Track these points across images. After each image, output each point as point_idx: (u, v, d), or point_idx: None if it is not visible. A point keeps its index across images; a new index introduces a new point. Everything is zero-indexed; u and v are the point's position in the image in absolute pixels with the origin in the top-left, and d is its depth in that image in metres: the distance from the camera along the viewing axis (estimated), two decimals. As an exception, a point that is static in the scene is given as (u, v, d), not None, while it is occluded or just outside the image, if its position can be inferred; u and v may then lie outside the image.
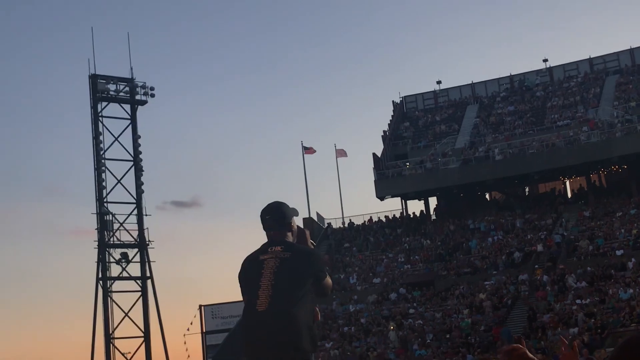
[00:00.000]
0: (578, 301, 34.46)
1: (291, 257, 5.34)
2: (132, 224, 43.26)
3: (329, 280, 5.52)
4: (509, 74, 56.75)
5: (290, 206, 5.81)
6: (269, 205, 5.68)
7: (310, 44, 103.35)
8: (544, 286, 36.99)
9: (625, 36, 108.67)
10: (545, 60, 55.91)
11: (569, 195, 50.50)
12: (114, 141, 43.46)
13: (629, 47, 53.31)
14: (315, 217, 51.20)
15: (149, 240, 43.24)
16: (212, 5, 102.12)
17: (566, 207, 45.85)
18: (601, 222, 42.11)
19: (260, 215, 5.65)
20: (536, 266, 39.08)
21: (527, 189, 52.05)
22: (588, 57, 54.79)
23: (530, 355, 6.14)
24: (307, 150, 53.15)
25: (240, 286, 5.45)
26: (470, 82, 57.28)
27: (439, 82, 58.25)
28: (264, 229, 5.63)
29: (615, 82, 50.88)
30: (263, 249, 5.49)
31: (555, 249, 40.53)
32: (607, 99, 49.01)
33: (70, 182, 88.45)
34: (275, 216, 5.60)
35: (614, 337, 29.30)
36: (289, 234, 5.58)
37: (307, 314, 5.26)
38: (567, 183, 51.77)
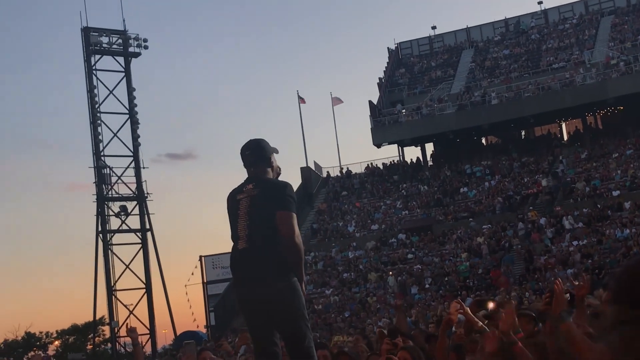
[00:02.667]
0: (575, 242, 34.78)
1: (259, 194, 5.56)
2: (129, 177, 43.42)
3: (288, 219, 5.41)
4: (503, 18, 56.39)
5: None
6: (248, 141, 5.84)
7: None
8: (541, 229, 37.28)
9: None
10: (540, 3, 55.55)
11: (565, 137, 50.56)
12: (108, 94, 43.36)
13: (625, -13, 52.86)
14: (312, 166, 51.31)
15: (148, 193, 43.44)
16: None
17: (562, 149, 45.95)
18: (597, 164, 42.25)
19: (240, 151, 5.80)
20: (530, 208, 39.32)
21: (523, 133, 52.11)
22: (583, -2, 54.37)
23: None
24: (301, 99, 53.09)
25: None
26: (465, 27, 56.91)
27: (433, 28, 57.92)
28: (244, 165, 5.78)
29: (610, 23, 50.56)
30: (240, 187, 5.72)
31: (551, 191, 40.74)
32: (602, 40, 48.76)
33: (66, 137, 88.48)
34: (255, 152, 5.75)
35: (611, 277, 29.62)
36: (269, 169, 5.75)
37: (279, 248, 5.44)
38: (563, 125, 51.79)
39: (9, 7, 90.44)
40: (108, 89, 43.37)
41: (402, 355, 6.63)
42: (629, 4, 52.01)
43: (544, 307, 5.19)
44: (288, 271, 5.44)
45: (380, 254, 40.55)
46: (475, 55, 53.78)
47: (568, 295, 5.33)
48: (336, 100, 54.17)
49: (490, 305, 6.77)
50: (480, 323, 6.52)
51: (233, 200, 5.66)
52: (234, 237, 5.59)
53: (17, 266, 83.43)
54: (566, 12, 54.27)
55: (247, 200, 5.55)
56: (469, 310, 6.72)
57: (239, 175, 5.80)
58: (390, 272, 37.84)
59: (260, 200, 5.53)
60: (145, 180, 43.54)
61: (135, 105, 43.46)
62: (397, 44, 57.77)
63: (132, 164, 43.32)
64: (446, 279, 35.71)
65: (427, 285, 35.87)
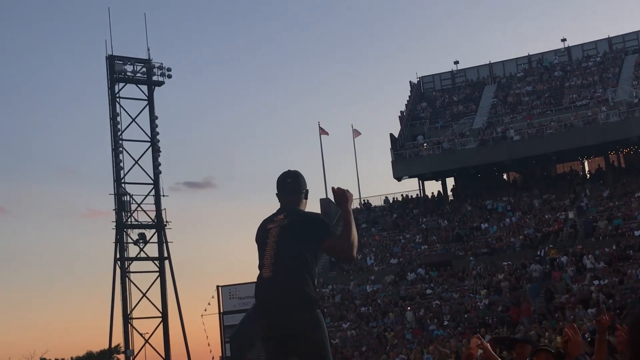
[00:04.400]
0: (596, 282, 34.30)
1: (289, 224, 5.54)
2: (149, 204, 43.52)
3: (340, 239, 5.41)
4: (527, 54, 56.38)
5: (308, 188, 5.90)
6: (288, 170, 5.85)
7: (327, 24, 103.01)
8: (562, 267, 36.85)
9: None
10: (563, 40, 55.51)
11: (587, 175, 50.19)
12: (131, 122, 43.65)
13: (649, 26, 52.73)
14: (332, 198, 51.14)
15: (167, 221, 43.48)
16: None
17: (584, 187, 45.58)
18: (620, 203, 41.83)
19: (280, 179, 5.80)
20: (550, 246, 38.89)
21: (545, 170, 51.80)
22: (607, 36, 54.34)
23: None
24: (322, 131, 53.14)
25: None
26: (487, 62, 56.93)
27: (456, 62, 57.98)
28: (280, 194, 5.77)
29: (634, 62, 50.38)
30: (271, 217, 5.72)
31: (575, 224, 40.35)
32: (626, 79, 48.55)
33: (87, 164, 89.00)
34: (296, 181, 5.75)
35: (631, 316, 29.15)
36: (303, 202, 5.75)
37: (308, 276, 5.43)
38: (586, 163, 51.44)
39: (36, 34, 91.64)
40: (131, 117, 43.70)
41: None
42: (654, 43, 51.85)
43: (562, 345, 5.08)
44: (313, 303, 5.39)
45: (398, 289, 40.22)
46: (497, 90, 53.70)
47: (588, 335, 5.22)
48: (356, 133, 54.21)
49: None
50: (499, 359, 6.47)
51: (263, 229, 5.65)
52: (260, 265, 5.56)
53: (35, 292, 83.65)
54: (590, 49, 54.17)
55: (277, 230, 5.53)
56: (488, 346, 6.71)
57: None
58: (409, 307, 37.47)
59: (289, 230, 5.50)
60: (165, 209, 43.64)
61: (157, 134, 43.70)
62: (420, 77, 57.86)
63: (152, 192, 43.43)
64: (465, 315, 35.29)
65: (445, 322, 35.45)
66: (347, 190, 5.55)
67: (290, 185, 5.72)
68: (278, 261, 5.42)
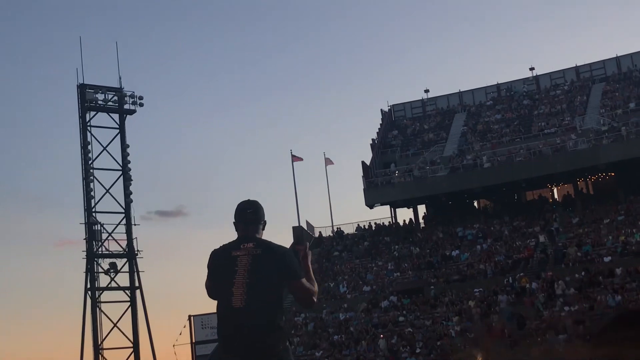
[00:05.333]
0: (567, 308, 34.59)
1: (262, 254, 5.47)
2: (120, 233, 43.13)
3: (306, 284, 5.51)
4: (496, 83, 57.09)
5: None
6: (249, 200, 5.83)
7: (298, 52, 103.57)
8: (533, 293, 37.13)
9: (611, 44, 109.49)
10: (531, 69, 56.38)
11: (557, 202, 50.73)
12: (102, 151, 43.34)
13: (615, 55, 53.80)
14: (305, 226, 51.20)
15: (138, 250, 43.12)
16: (200, 15, 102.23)
17: (554, 214, 46.06)
18: (589, 229, 42.32)
19: (240, 209, 5.76)
20: (521, 274, 39.16)
21: (515, 197, 52.27)
22: (574, 65, 55.24)
23: None
24: (295, 158, 53.23)
25: (208, 273, 5.61)
26: (457, 91, 57.56)
27: (426, 91, 58.57)
28: (240, 223, 5.72)
29: (601, 90, 51.24)
30: (234, 244, 5.60)
31: (543, 254, 40.70)
32: (593, 107, 49.34)
33: (58, 193, 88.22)
34: (257, 212, 5.74)
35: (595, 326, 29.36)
36: (262, 232, 5.74)
37: (280, 307, 5.43)
38: (555, 190, 52.02)
39: (6, 62, 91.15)
40: (102, 145, 43.42)
41: None
42: (620, 72, 52.79)
43: None
44: (285, 335, 5.39)
45: (371, 316, 40.22)
46: (467, 119, 54.28)
47: None
48: (328, 161, 54.41)
49: None
50: None
51: (226, 256, 5.51)
52: (226, 294, 5.41)
53: (5, 321, 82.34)
54: (558, 78, 55.02)
55: (248, 259, 5.43)
56: None
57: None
58: (381, 335, 37.48)
59: (263, 261, 5.44)
60: (136, 237, 43.31)
61: (129, 162, 43.45)
62: (391, 106, 58.34)
63: (123, 221, 43.11)
64: (438, 342, 35.38)
65: (418, 349, 35.50)
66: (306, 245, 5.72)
67: (251, 216, 5.67)
68: (250, 291, 5.32)
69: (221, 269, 5.51)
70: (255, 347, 5.28)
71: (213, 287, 5.56)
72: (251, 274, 5.38)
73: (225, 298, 5.41)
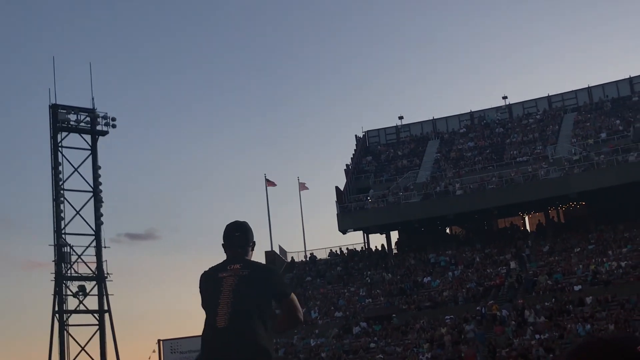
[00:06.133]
0: (537, 336, 34.65)
1: (249, 275, 5.46)
2: (90, 256, 42.70)
3: (296, 301, 5.54)
4: (469, 111, 57.55)
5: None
6: (236, 222, 5.80)
7: (272, 77, 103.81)
8: (503, 321, 37.18)
9: (583, 75, 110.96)
10: (504, 97, 56.90)
11: (528, 230, 51.03)
12: (73, 172, 43.01)
13: (587, 86, 54.47)
14: (277, 250, 51.01)
15: (108, 273, 42.69)
16: (175, 38, 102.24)
17: (525, 242, 46.29)
18: (559, 258, 42.56)
19: (227, 231, 5.75)
20: (491, 302, 39.25)
21: (486, 224, 52.51)
22: (547, 94, 55.86)
23: None
24: (269, 183, 53.15)
25: (201, 296, 5.60)
26: (431, 118, 57.93)
27: (401, 118, 58.86)
28: (228, 245, 5.71)
29: (573, 120, 51.79)
30: (222, 266, 5.59)
31: (516, 281, 40.82)
32: (565, 136, 49.83)
33: (26, 214, 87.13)
34: (245, 234, 5.72)
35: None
36: (251, 253, 5.72)
37: (264, 328, 5.40)
38: (526, 218, 52.34)
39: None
40: (73, 167, 43.09)
41: None
42: (592, 102, 53.43)
43: None
44: (268, 356, 5.33)
45: (342, 342, 40.02)
46: (440, 146, 54.58)
47: None
48: (302, 186, 54.39)
49: None
50: None
51: (214, 277, 5.51)
52: (211, 314, 5.39)
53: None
54: (530, 107, 55.58)
55: (234, 279, 5.41)
56: None
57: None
58: (352, 362, 37.24)
59: (249, 281, 5.43)
60: (106, 260, 42.90)
61: (100, 184, 43.15)
62: (365, 132, 58.55)
63: (93, 243, 42.69)
64: (408, 370, 35.25)
65: (388, 376, 35.33)
66: None
67: (239, 239, 5.65)
68: (235, 311, 5.30)
69: (209, 290, 5.49)
70: None
71: (204, 305, 5.52)
72: (236, 294, 5.35)
73: (211, 318, 5.38)
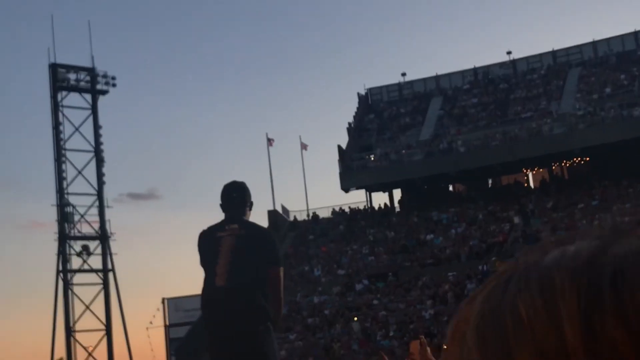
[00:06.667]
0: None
1: (247, 235, 5.57)
2: (92, 216, 42.77)
3: (282, 280, 5.59)
4: (472, 67, 56.99)
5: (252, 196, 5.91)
6: (233, 182, 5.87)
7: (275, 35, 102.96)
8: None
9: (588, 29, 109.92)
10: (509, 53, 56.26)
11: (532, 187, 50.87)
12: (74, 131, 42.89)
13: (592, 40, 53.80)
14: (280, 210, 50.98)
15: (111, 232, 42.79)
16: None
17: (528, 199, 46.16)
18: (563, 214, 42.45)
19: (225, 192, 5.84)
20: (493, 258, 39.22)
21: (490, 181, 52.35)
22: (551, 49, 55.21)
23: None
24: (270, 141, 53.00)
25: (199, 255, 5.69)
26: (434, 75, 57.42)
27: (403, 74, 58.35)
28: (225, 206, 5.74)
29: (578, 75, 51.31)
30: (220, 226, 5.70)
31: (517, 240, 40.80)
32: (569, 91, 49.41)
33: (28, 174, 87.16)
34: (242, 195, 5.78)
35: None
36: (249, 213, 5.80)
37: (262, 287, 5.47)
38: (530, 175, 52.15)
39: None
40: (74, 126, 42.94)
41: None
42: (597, 57, 52.85)
43: None
44: (267, 315, 5.43)
45: (345, 300, 40.16)
46: (444, 103, 54.19)
47: None
48: (304, 145, 54.22)
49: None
50: None
51: (211, 237, 5.61)
52: (211, 273, 5.50)
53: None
54: (534, 62, 55.00)
55: (232, 239, 5.52)
56: (428, 350, 6.56)
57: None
58: (355, 318, 37.43)
59: (247, 242, 5.54)
60: (109, 220, 42.96)
61: (102, 143, 43.04)
62: (367, 89, 58.11)
63: (96, 203, 42.70)
64: (411, 326, 35.38)
65: (391, 333, 35.48)
66: None
67: (236, 200, 5.73)
68: (233, 270, 5.41)
69: (208, 250, 5.62)
70: (235, 324, 5.34)
71: (203, 263, 5.66)
72: (234, 254, 5.46)
73: (209, 277, 5.51)
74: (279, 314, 5.59)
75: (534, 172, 51.68)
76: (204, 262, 5.62)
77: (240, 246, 5.47)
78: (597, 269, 0.55)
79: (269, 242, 5.61)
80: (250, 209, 5.79)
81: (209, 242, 5.62)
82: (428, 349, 6.54)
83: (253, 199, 5.80)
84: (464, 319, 0.62)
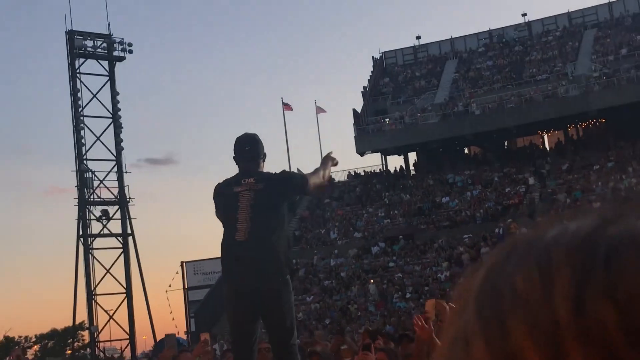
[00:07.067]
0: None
1: (264, 188, 5.60)
2: (111, 181, 43.27)
3: (316, 180, 5.82)
4: (487, 29, 56.74)
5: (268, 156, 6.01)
6: (245, 135, 5.84)
7: (291, 0, 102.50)
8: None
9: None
10: (524, 15, 55.99)
11: (547, 148, 50.88)
12: (92, 98, 43.22)
13: (607, 1, 53.35)
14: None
15: (130, 198, 43.29)
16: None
17: (544, 160, 46.23)
18: (578, 175, 42.53)
19: (238, 145, 5.79)
20: (509, 220, 39.42)
21: (505, 143, 52.38)
22: (567, 11, 54.88)
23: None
24: (286, 106, 53.12)
25: (215, 206, 5.79)
26: (449, 37, 57.20)
27: (418, 38, 58.18)
28: (239, 159, 5.78)
29: (593, 36, 51.01)
30: (236, 180, 5.69)
31: (532, 202, 40.98)
32: (585, 53, 49.18)
33: (48, 141, 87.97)
34: (255, 147, 5.78)
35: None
36: (263, 165, 5.80)
37: (282, 241, 5.62)
38: (545, 137, 52.13)
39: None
40: (92, 93, 43.26)
41: (380, 357, 6.68)
42: (612, 18, 52.49)
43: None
44: (285, 268, 5.50)
45: (361, 262, 40.60)
46: (459, 65, 54.06)
47: None
48: (319, 109, 54.29)
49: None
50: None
51: (229, 192, 5.61)
52: (230, 228, 5.52)
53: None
54: (550, 24, 54.69)
55: (250, 194, 5.53)
56: (445, 305, 6.82)
57: (220, 180, 5.78)
58: (372, 280, 37.88)
59: (265, 195, 5.55)
60: (128, 185, 43.45)
61: (119, 110, 43.35)
62: (382, 53, 58.00)
63: (115, 168, 43.16)
64: (426, 288, 35.80)
65: (408, 294, 35.93)
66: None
67: (250, 153, 5.72)
68: (253, 225, 5.43)
69: (225, 204, 5.62)
70: (255, 280, 5.39)
71: (221, 218, 5.71)
72: (253, 208, 5.48)
73: (230, 233, 5.52)
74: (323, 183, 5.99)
75: (550, 134, 51.66)
76: (223, 217, 5.65)
77: (259, 200, 5.49)
78: (592, 248, 0.56)
79: (288, 179, 5.77)
80: (264, 161, 5.80)
81: (226, 196, 5.62)
82: (445, 305, 6.84)
83: (269, 162, 5.88)
84: (467, 290, 0.63)
